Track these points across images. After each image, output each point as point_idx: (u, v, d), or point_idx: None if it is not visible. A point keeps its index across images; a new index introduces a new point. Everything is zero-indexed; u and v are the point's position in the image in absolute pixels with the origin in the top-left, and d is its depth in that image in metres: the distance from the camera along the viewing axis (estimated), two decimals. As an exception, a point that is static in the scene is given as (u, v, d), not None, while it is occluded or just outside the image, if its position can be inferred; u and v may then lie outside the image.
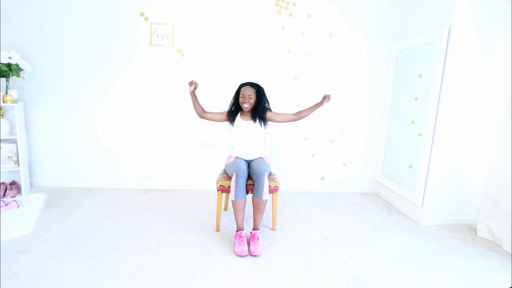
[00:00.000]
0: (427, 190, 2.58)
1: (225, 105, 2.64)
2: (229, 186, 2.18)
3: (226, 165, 2.34)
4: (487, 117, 2.52)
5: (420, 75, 2.70)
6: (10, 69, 2.53)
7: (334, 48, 3.10)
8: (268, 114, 2.36)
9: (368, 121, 3.29)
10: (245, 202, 2.13)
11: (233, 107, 2.37)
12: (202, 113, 2.41)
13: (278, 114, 2.38)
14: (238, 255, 1.96)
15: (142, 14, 2.85)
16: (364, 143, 3.34)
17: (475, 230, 2.56)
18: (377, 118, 3.29)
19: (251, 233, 2.11)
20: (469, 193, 2.65)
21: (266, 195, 2.08)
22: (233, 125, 2.36)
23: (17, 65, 2.55)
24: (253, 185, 2.15)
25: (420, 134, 2.67)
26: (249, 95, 2.24)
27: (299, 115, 2.38)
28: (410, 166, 2.80)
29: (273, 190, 2.24)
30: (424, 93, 2.62)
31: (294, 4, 2.98)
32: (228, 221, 2.48)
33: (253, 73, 3.03)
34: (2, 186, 2.70)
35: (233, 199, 2.09)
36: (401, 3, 3.06)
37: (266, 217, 2.57)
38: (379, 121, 3.30)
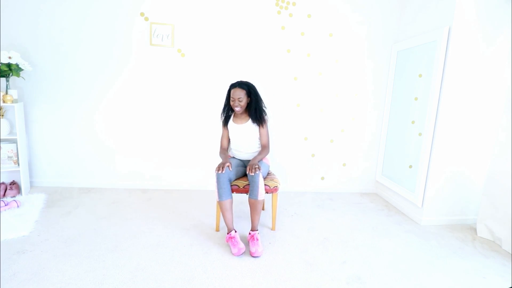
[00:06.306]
0: (427, 190, 2.58)
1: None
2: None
3: None
4: (487, 116, 2.52)
5: (420, 75, 2.70)
6: (10, 69, 2.53)
7: (334, 48, 3.10)
8: (262, 126, 2.29)
9: (368, 121, 3.29)
10: (232, 202, 2.10)
11: (226, 109, 2.35)
12: (227, 149, 2.40)
13: (264, 133, 2.30)
14: (236, 255, 1.95)
15: (142, 14, 2.85)
16: (364, 143, 3.33)
17: (475, 230, 2.55)
18: (377, 118, 3.29)
19: (250, 234, 2.10)
20: (469, 193, 2.65)
21: (262, 195, 2.07)
22: (227, 130, 2.36)
23: (17, 65, 2.55)
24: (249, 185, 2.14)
25: (420, 134, 2.67)
26: (239, 98, 2.18)
27: (262, 148, 2.34)
28: (410, 166, 2.79)
29: (273, 190, 2.24)
30: (424, 93, 2.62)
31: (294, 4, 2.97)
32: (228, 221, 2.48)
33: (253, 73, 3.03)
34: (2, 186, 2.70)
35: (217, 200, 2.08)
36: (401, 3, 3.06)
37: (266, 217, 2.57)
38: (379, 121, 3.30)
